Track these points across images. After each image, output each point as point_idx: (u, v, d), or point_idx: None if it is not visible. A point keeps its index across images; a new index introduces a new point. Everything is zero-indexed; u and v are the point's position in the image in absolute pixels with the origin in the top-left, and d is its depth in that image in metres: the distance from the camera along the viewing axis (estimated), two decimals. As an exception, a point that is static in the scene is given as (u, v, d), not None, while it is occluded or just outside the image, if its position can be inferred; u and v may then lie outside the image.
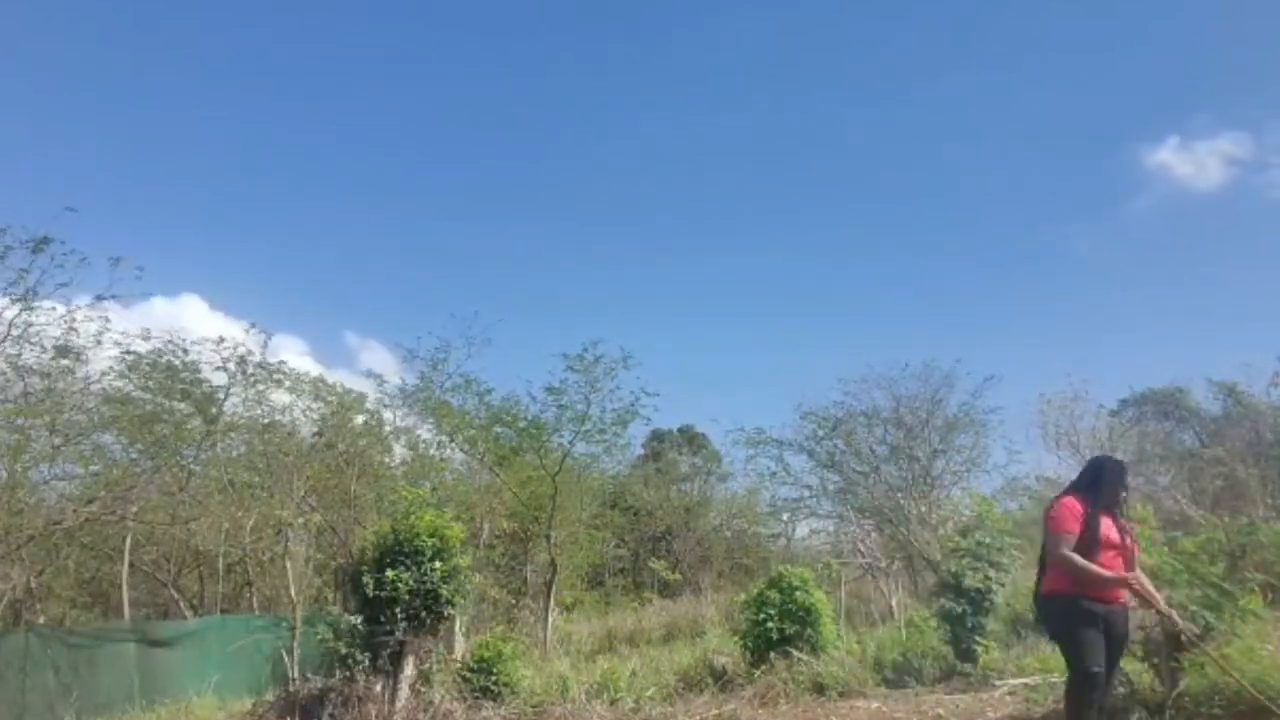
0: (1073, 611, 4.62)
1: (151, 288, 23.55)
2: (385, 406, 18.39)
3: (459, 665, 8.42)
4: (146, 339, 15.75)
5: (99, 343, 13.84)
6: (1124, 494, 4.94)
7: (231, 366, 16.55)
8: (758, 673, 8.65)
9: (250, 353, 16.51)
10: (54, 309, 12.95)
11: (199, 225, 52.65)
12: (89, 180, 47.63)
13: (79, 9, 49.99)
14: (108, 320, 13.66)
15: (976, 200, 54.70)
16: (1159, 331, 47.43)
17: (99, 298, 13.16)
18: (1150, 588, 4.90)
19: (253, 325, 16.93)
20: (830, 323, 53.70)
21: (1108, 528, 4.71)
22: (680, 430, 34.07)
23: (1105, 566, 4.61)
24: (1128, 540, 4.81)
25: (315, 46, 57.14)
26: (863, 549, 17.38)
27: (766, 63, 59.33)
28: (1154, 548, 6.09)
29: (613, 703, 8.05)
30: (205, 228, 52.53)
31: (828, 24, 57.42)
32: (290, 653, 10.10)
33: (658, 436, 33.24)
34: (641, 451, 31.09)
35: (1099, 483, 4.86)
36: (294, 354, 43.48)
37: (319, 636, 8.68)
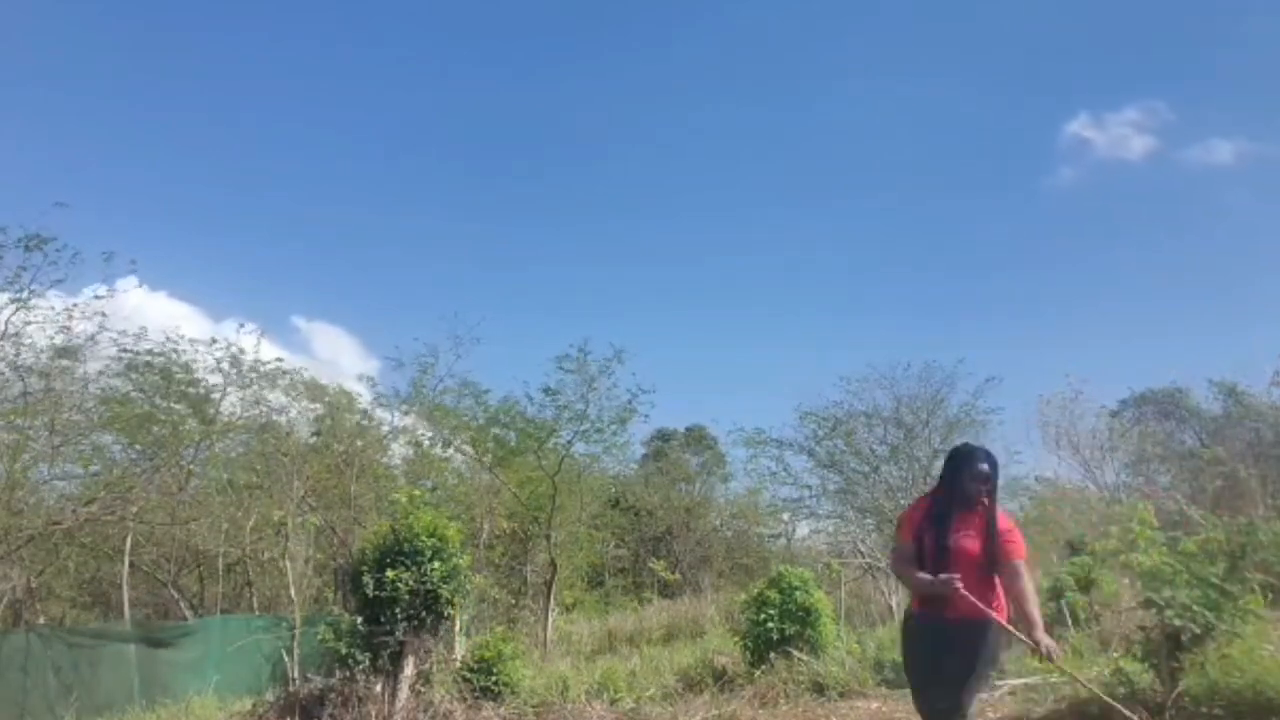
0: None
1: (88, 273, 23.13)
2: (381, 406, 18.41)
3: (459, 665, 8.41)
4: (141, 340, 15.80)
5: (95, 342, 13.88)
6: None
7: (226, 366, 16.61)
8: (758, 673, 8.64)
9: (242, 351, 16.58)
10: (52, 307, 13.00)
11: (134, 208, 51.53)
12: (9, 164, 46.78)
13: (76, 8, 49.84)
14: (104, 316, 13.72)
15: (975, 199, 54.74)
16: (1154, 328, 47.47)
17: (102, 293, 13.24)
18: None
19: (244, 324, 17.04)
20: (831, 323, 53.68)
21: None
22: (687, 430, 34.04)
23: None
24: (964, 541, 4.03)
25: (301, 42, 57.08)
26: (863, 549, 17.37)
27: (769, 60, 59.40)
28: (1154, 548, 6.10)
29: (613, 703, 8.04)
30: (138, 210, 51.46)
31: (829, 19, 57.47)
32: (290, 653, 10.08)
33: (663, 435, 33.21)
34: (644, 451, 31.09)
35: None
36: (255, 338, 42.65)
37: (319, 636, 8.67)
